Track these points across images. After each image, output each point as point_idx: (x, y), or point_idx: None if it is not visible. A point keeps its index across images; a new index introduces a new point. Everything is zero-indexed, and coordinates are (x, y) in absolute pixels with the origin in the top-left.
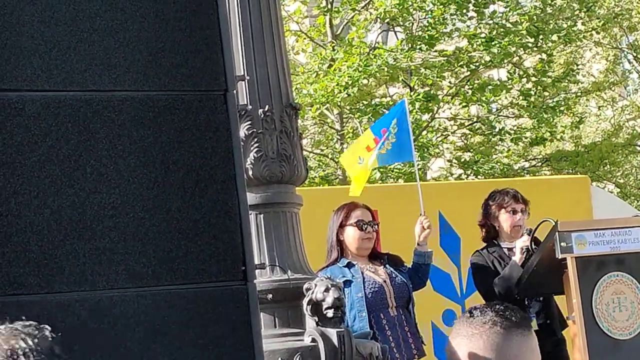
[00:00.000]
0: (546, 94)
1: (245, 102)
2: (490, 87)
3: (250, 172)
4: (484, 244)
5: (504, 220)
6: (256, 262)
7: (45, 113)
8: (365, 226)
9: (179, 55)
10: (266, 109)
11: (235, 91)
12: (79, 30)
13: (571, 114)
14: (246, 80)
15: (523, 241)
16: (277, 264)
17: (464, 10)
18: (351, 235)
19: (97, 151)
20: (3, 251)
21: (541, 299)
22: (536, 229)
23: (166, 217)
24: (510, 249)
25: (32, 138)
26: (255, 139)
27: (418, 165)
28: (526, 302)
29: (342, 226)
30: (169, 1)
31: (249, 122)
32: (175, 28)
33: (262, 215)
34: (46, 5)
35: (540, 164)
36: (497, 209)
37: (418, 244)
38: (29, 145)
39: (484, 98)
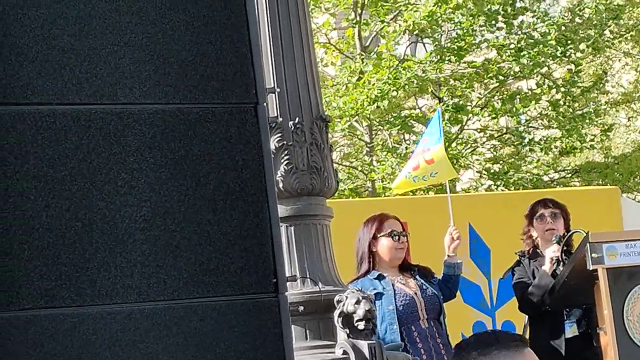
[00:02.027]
0: (575, 104)
1: (276, 115)
2: (519, 97)
3: (281, 185)
4: (517, 256)
5: (537, 228)
6: (287, 274)
7: (76, 126)
8: (398, 236)
9: (209, 68)
10: (296, 121)
11: (265, 103)
12: (109, 43)
13: (600, 125)
14: (276, 93)
15: (553, 251)
16: (308, 276)
17: (493, 22)
18: (385, 245)
19: (128, 164)
20: (35, 264)
21: (583, 306)
22: (567, 239)
23: (197, 230)
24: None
25: (63, 151)
26: (286, 151)
27: None
28: (566, 310)
29: (375, 237)
30: (200, 14)
31: (279, 135)
32: (206, 41)
33: (292, 228)
34: (77, 19)
35: (570, 175)
36: (530, 218)
37: (448, 255)
38: (60, 159)
39: (513, 109)
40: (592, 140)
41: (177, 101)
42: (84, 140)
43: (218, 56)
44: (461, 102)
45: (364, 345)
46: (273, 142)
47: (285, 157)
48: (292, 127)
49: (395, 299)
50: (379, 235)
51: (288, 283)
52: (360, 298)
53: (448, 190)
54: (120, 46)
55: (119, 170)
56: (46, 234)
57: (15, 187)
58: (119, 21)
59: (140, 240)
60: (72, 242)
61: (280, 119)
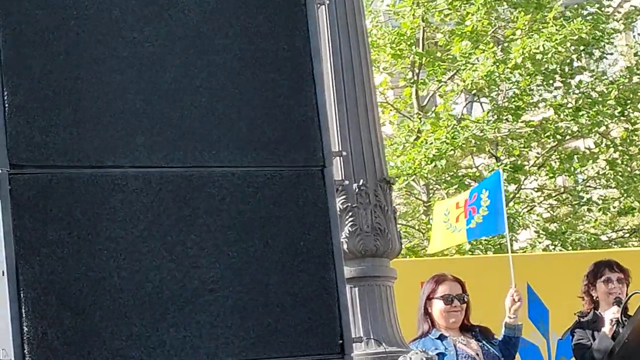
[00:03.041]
0: (633, 164)
1: (340, 177)
2: (576, 156)
3: (345, 246)
4: (575, 316)
5: (599, 290)
6: (352, 335)
7: (147, 189)
8: (453, 299)
9: (277, 132)
10: (360, 183)
11: (331, 166)
12: (180, 107)
13: None
14: (342, 156)
15: (613, 312)
16: (372, 337)
17: (550, 81)
18: (438, 308)
19: (198, 226)
20: (106, 324)
21: None
22: (627, 300)
23: (265, 291)
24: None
25: (134, 213)
26: (350, 213)
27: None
28: None
29: (429, 299)
30: (269, 79)
31: (344, 197)
32: (274, 104)
33: (356, 289)
34: (149, 83)
35: (628, 235)
36: (593, 279)
37: (508, 317)
38: (131, 221)
39: (570, 168)
40: None
41: (245, 164)
42: (155, 202)
43: (286, 120)
44: (519, 162)
45: None
46: (337, 204)
47: (350, 219)
48: (357, 189)
49: (457, 359)
50: (432, 298)
51: (353, 344)
52: (424, 359)
53: (510, 250)
54: (190, 110)
55: (188, 232)
56: (117, 294)
57: (88, 248)
58: (190, 86)
59: (209, 301)
60: (142, 302)
61: (346, 182)
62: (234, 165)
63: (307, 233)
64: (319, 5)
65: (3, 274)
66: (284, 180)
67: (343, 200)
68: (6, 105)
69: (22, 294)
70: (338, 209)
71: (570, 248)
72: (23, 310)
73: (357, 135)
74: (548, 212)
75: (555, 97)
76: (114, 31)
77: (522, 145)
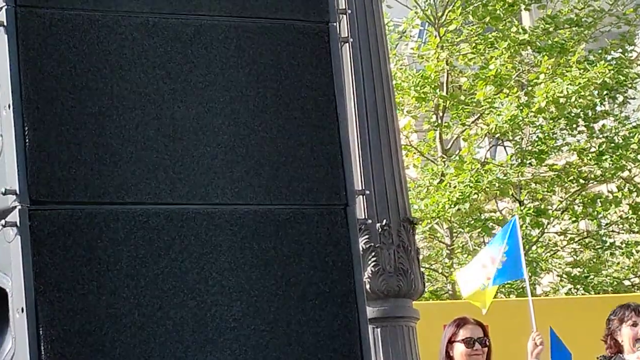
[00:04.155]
0: None
1: (363, 216)
2: (600, 201)
3: (368, 286)
4: None
5: (625, 334)
6: None
7: (168, 226)
8: (474, 343)
9: (300, 169)
10: (384, 223)
11: (354, 205)
12: (202, 144)
13: None
14: (365, 194)
15: (636, 357)
16: None
17: (574, 125)
18: (459, 351)
19: (219, 264)
20: None
21: None
22: None
23: (287, 330)
24: None
25: (155, 251)
26: (373, 253)
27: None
28: None
29: (451, 342)
30: (291, 116)
31: (367, 236)
32: (297, 142)
33: (379, 329)
34: (171, 120)
35: None
36: (619, 323)
37: None
38: (152, 258)
39: (594, 213)
40: None
41: (268, 202)
42: (176, 239)
43: (309, 157)
44: (542, 206)
45: None
46: (360, 244)
47: (373, 259)
48: (380, 229)
49: None
50: (454, 341)
51: None
52: None
53: (530, 294)
54: (212, 147)
55: (210, 270)
56: (137, 332)
57: (108, 285)
58: (212, 123)
59: (230, 339)
60: (163, 340)
61: (369, 221)
62: (256, 203)
63: (329, 272)
64: (342, 43)
65: (22, 311)
66: (307, 218)
67: (366, 240)
68: (27, 140)
69: (41, 331)
70: (361, 249)
71: (592, 292)
72: (42, 348)
73: (381, 175)
74: (571, 256)
75: (578, 141)
76: (136, 67)
77: (545, 190)
